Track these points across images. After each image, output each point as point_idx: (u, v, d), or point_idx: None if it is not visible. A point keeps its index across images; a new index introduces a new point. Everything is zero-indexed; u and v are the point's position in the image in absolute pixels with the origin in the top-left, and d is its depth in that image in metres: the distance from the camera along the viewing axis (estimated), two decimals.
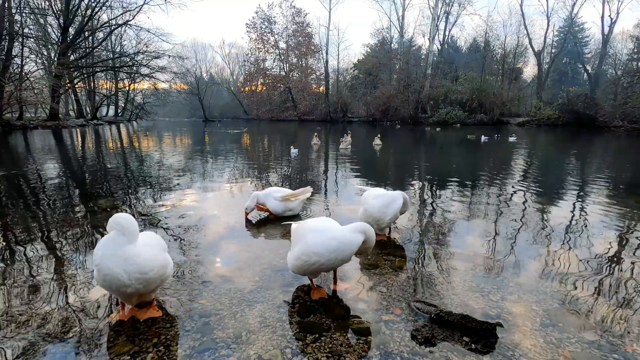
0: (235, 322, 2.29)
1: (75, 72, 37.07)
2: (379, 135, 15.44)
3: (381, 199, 3.66)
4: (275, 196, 4.47)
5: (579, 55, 50.10)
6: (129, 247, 2.13)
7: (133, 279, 2.11)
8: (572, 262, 3.25)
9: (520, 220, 4.59)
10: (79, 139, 20.19)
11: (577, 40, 49.85)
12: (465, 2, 46.33)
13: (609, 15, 42.92)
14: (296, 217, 4.59)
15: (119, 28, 38.15)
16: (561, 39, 49.12)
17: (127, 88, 49.26)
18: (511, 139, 18.15)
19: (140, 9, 34.79)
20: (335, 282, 2.79)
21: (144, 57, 38.58)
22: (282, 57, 56.59)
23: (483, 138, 18.78)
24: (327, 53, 52.60)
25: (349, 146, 13.72)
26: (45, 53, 35.39)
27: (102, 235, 3.03)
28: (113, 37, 42.07)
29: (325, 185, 7.04)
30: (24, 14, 28.27)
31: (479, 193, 6.21)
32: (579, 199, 5.83)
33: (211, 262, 3.23)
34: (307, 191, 4.56)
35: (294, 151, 10.54)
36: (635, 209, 5.20)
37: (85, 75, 40.61)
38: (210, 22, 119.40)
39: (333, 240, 2.47)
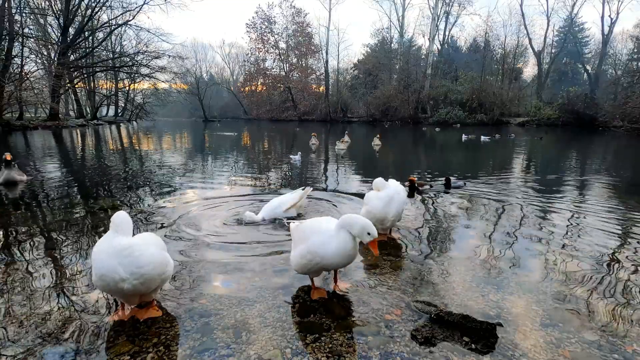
0: (235, 322, 2.29)
1: (75, 72, 37.01)
2: (378, 135, 15.46)
3: (383, 199, 3.66)
4: (282, 210, 4.46)
5: (578, 55, 50.05)
6: (120, 238, 2.15)
7: (129, 272, 2.08)
8: (572, 262, 3.25)
9: (520, 220, 4.60)
10: (79, 139, 20.17)
11: (577, 40, 49.81)
12: (465, 2, 46.43)
13: (609, 15, 42.97)
14: (298, 216, 4.60)
15: (119, 28, 38.11)
16: (561, 39, 49.08)
17: (127, 88, 49.18)
18: (484, 139, 18.36)
19: (140, 9, 34.76)
20: (335, 282, 2.79)
21: (144, 57, 38.50)
22: (282, 57, 56.49)
23: (464, 137, 19.05)
24: (327, 53, 52.53)
25: (345, 147, 13.73)
26: (45, 53, 35.33)
27: (102, 236, 3.04)
28: (113, 37, 41.97)
29: (326, 186, 7.03)
30: (24, 14, 28.25)
31: (478, 192, 6.20)
32: (579, 199, 5.82)
33: (211, 262, 3.22)
34: (307, 192, 4.59)
35: (297, 158, 10.07)
36: (635, 208, 5.20)
37: (85, 75, 40.55)
38: (210, 22, 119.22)
39: (336, 246, 2.44)
